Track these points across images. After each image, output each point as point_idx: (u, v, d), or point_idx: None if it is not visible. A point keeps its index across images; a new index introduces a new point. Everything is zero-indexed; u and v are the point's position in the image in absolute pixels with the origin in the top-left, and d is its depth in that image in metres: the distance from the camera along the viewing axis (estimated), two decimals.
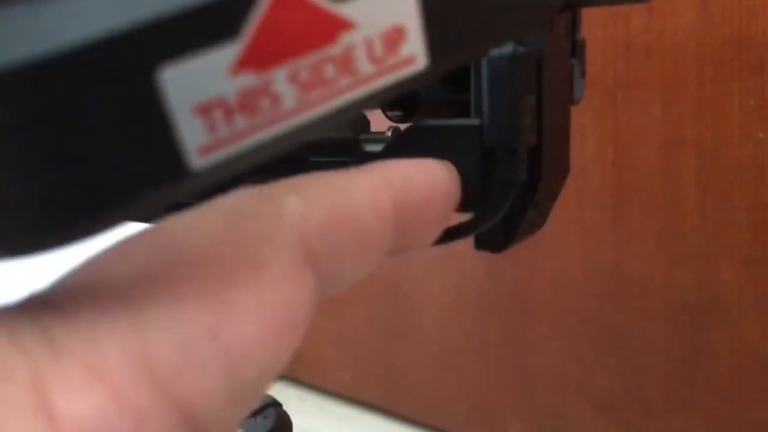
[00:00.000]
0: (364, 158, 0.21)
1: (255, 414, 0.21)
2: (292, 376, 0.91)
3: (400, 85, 0.09)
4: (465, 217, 0.16)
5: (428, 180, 0.12)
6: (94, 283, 0.08)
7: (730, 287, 0.58)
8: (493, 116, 0.15)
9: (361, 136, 0.23)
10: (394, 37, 0.09)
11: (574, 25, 0.18)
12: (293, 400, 0.87)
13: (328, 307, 0.85)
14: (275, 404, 0.22)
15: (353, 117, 0.09)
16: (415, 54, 0.09)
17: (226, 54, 0.07)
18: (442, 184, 0.12)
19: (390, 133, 0.22)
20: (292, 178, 0.11)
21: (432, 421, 0.78)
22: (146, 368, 0.08)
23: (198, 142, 0.07)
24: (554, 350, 0.68)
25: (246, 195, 0.10)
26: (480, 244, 0.17)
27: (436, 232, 0.12)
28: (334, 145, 0.21)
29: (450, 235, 0.16)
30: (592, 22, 0.61)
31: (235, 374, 0.09)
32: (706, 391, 0.61)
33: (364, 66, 0.09)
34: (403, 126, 0.21)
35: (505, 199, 0.15)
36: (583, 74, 0.18)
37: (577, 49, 0.18)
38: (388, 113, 0.20)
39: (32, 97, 0.07)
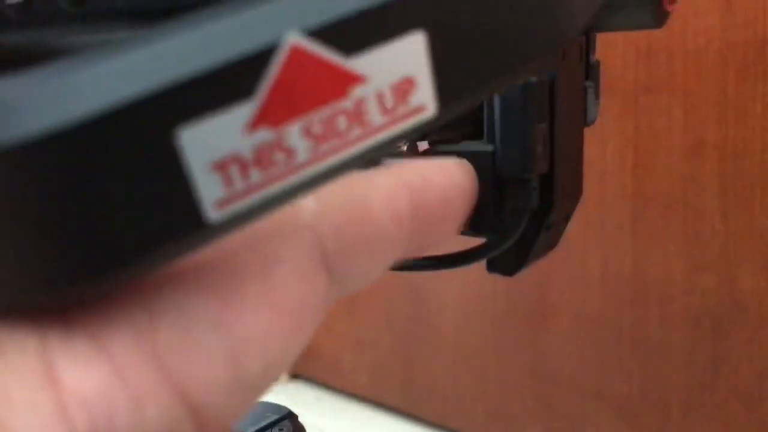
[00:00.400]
0: None
1: (271, 426, 0.21)
2: (310, 377, 0.92)
3: (410, 133, 0.09)
4: (478, 240, 0.16)
5: (445, 180, 0.12)
6: None
7: (751, 293, 0.58)
8: (505, 146, 0.15)
9: None
10: (404, 87, 0.09)
11: (588, 47, 0.18)
12: (311, 401, 0.88)
13: (346, 310, 0.85)
14: (291, 416, 0.22)
15: (364, 165, 0.09)
16: (424, 103, 0.09)
17: (241, 112, 0.08)
18: (460, 183, 0.12)
19: (405, 148, 0.22)
20: None
21: (449, 423, 0.78)
22: (151, 351, 0.08)
23: (215, 197, 0.08)
24: (573, 354, 0.68)
25: None
26: (492, 267, 0.17)
27: (453, 232, 0.12)
28: None
29: (463, 259, 0.16)
30: None
31: (238, 366, 0.09)
32: (726, 396, 0.60)
33: (375, 117, 0.09)
34: (418, 143, 0.21)
35: (517, 224, 0.15)
36: (597, 96, 0.18)
37: (591, 71, 0.18)
38: None
39: (56, 162, 0.07)
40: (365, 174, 0.11)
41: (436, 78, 0.09)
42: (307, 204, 0.10)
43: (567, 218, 0.18)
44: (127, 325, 0.08)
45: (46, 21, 0.11)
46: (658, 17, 0.15)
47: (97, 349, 0.08)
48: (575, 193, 0.17)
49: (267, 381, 0.10)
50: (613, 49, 0.61)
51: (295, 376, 0.94)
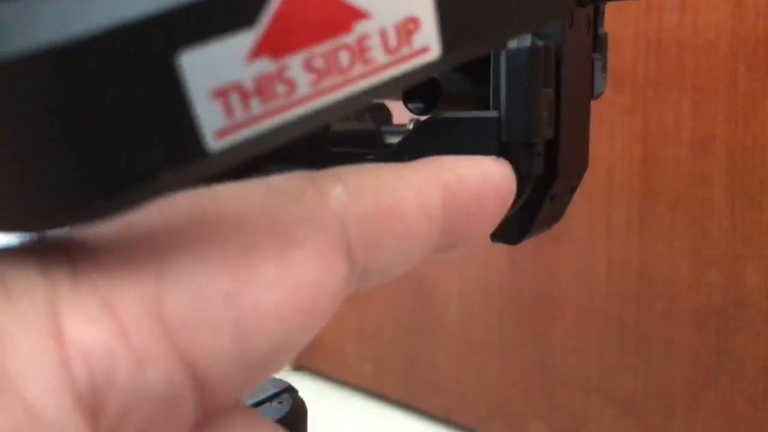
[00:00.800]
0: (385, 150, 0.21)
1: (271, 399, 0.21)
2: (312, 367, 0.92)
3: (413, 74, 0.09)
4: None
5: (482, 179, 0.12)
6: (128, 230, 0.09)
7: (757, 290, 0.57)
8: (510, 109, 0.15)
9: (383, 128, 0.23)
10: (408, 27, 0.09)
11: (596, 19, 0.18)
12: (313, 392, 0.88)
13: (350, 300, 0.85)
14: (291, 390, 0.22)
15: (367, 104, 0.09)
16: (428, 44, 0.09)
17: (243, 40, 0.08)
18: (497, 183, 0.12)
19: (411, 126, 0.22)
20: (344, 166, 0.11)
21: (452, 416, 0.78)
22: (157, 314, 0.08)
23: (216, 125, 0.08)
24: (577, 349, 0.68)
25: (295, 177, 0.10)
26: (496, 236, 0.17)
27: (486, 231, 0.12)
28: (356, 137, 0.22)
29: None
30: (624, 17, 0.60)
31: (245, 341, 0.09)
32: (730, 394, 0.60)
33: (378, 55, 0.09)
34: (424, 118, 0.21)
35: (521, 191, 0.15)
36: (604, 69, 0.18)
37: (599, 43, 0.18)
38: (409, 105, 0.20)
39: (54, 80, 0.07)
40: (400, 168, 0.11)
41: (441, 20, 0.09)
42: (337, 192, 0.10)
43: (572, 191, 0.18)
44: (135, 286, 0.08)
45: None
46: None
47: (103, 306, 0.08)
48: (580, 164, 0.17)
49: (274, 361, 0.09)
50: (623, 42, 0.60)
51: (299, 367, 0.94)
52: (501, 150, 0.15)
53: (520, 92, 0.15)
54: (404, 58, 0.09)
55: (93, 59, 0.07)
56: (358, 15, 0.08)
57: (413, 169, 0.11)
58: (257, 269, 0.09)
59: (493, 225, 0.12)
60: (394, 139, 0.23)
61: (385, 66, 0.09)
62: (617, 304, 0.65)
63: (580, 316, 0.67)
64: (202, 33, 0.07)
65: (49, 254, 0.08)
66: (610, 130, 0.62)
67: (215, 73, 0.08)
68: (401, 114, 0.23)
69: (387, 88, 0.09)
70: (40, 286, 0.08)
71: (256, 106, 0.08)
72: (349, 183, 0.10)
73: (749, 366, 0.59)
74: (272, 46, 0.08)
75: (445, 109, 0.20)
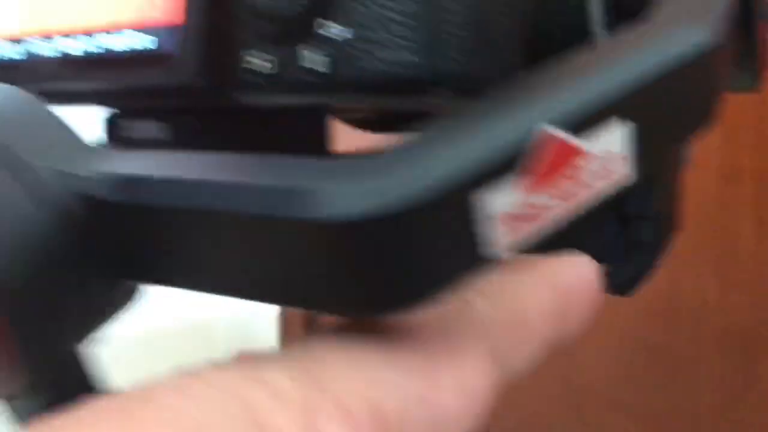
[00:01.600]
0: None
1: None
2: None
3: (612, 193, 0.13)
4: None
5: (581, 280, 0.14)
6: (347, 343, 0.11)
7: None
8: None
9: None
10: (614, 160, 0.12)
11: None
12: None
13: None
14: None
15: (577, 217, 0.12)
16: (627, 174, 0.12)
17: (517, 182, 0.11)
18: (592, 282, 0.14)
19: None
20: (479, 282, 0.12)
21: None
22: (380, 415, 0.10)
23: (499, 243, 0.11)
24: (605, 369, 0.70)
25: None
26: (613, 290, 0.20)
27: (584, 326, 0.14)
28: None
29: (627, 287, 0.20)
30: None
31: None
32: (757, 415, 0.61)
33: (593, 182, 0.12)
34: None
35: (636, 256, 0.18)
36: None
37: None
38: None
39: (403, 227, 0.10)
40: (518, 276, 0.13)
41: (637, 154, 0.12)
42: (481, 306, 0.12)
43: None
44: (363, 393, 0.11)
45: (288, 87, 0.15)
46: (759, 82, 0.18)
47: (342, 410, 0.10)
48: (679, 225, 0.21)
49: None
50: None
51: None
52: (620, 220, 0.18)
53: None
54: (609, 185, 0.12)
55: (426, 207, 0.10)
56: (582, 154, 0.12)
57: (529, 276, 0.13)
58: (439, 375, 0.11)
59: (589, 319, 0.14)
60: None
61: (596, 190, 0.12)
62: (645, 326, 0.67)
63: (609, 336, 0.69)
64: (494, 179, 0.11)
65: (289, 364, 0.11)
66: None
67: (497, 205, 0.11)
68: None
69: (594, 203, 0.12)
70: (291, 392, 0.10)
71: (525, 226, 0.11)
72: (488, 297, 0.13)
73: None
74: (533, 184, 0.11)
75: None
